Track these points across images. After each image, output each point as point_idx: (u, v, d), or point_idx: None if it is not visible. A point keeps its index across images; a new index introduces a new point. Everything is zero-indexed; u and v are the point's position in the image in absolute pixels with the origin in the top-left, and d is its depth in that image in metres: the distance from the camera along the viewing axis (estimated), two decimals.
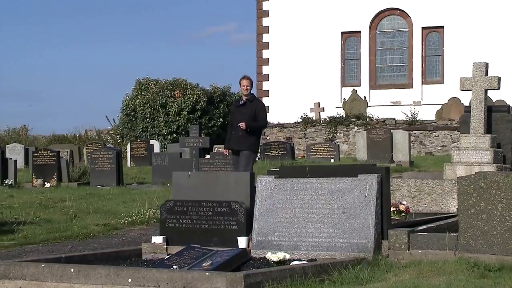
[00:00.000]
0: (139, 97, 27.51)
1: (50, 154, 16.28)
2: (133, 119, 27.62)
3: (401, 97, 29.22)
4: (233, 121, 10.82)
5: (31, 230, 9.24)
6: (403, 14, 29.57)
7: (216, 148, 20.92)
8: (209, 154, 18.23)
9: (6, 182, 15.52)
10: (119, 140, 28.00)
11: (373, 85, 29.86)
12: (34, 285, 5.31)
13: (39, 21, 65.14)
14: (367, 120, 27.34)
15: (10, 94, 60.71)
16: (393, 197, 8.28)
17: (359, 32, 29.87)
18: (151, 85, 27.83)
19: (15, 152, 21.96)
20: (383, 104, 29.12)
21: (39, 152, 16.68)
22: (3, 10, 65.22)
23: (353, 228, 5.99)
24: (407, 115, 27.34)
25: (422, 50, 29.38)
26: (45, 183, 15.64)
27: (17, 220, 9.70)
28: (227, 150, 10.97)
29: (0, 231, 9.02)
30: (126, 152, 23.53)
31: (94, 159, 16.36)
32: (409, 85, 29.47)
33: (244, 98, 10.84)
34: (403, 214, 7.79)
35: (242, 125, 10.47)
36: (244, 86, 10.69)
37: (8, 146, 22.81)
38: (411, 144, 22.35)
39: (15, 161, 16.93)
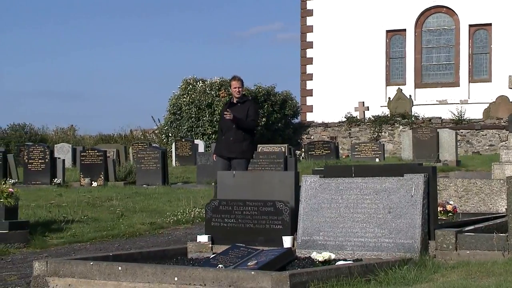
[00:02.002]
0: (185, 96, 27.71)
1: (97, 153, 16.54)
2: (179, 119, 27.83)
3: (448, 96, 28.82)
4: (222, 125, 9.88)
5: (79, 228, 9.41)
6: (449, 11, 29.16)
7: (260, 148, 20.96)
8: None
9: (54, 181, 15.82)
10: (164, 140, 28.26)
11: (419, 84, 29.52)
12: (83, 283, 5.39)
13: (85, 21, 66.25)
14: (413, 119, 27.05)
15: (58, 94, 61.90)
16: (440, 197, 8.17)
17: (405, 30, 29.57)
18: (197, 84, 27.99)
19: (63, 152, 22.38)
20: (429, 103, 28.76)
21: (87, 151, 16.96)
22: (51, 9, 66.54)
23: (399, 228, 5.94)
24: (454, 114, 26.95)
25: (469, 48, 28.92)
26: (93, 182, 15.89)
27: (65, 219, 9.89)
28: (214, 156, 10.09)
29: (49, 229, 9.20)
30: (171, 151, 23.74)
31: (140, 158, 16.56)
32: (456, 84, 29.06)
33: (235, 100, 9.87)
34: (450, 214, 7.67)
35: (228, 114, 9.45)
36: (235, 88, 9.74)
37: (56, 145, 23.26)
38: (458, 143, 22.03)
39: (63, 160, 17.25)
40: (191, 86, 27.96)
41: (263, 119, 27.04)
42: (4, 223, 8.39)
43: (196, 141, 24.55)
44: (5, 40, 62.55)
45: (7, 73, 61.65)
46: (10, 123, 30.63)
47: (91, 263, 5.47)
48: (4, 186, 8.56)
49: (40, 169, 16.06)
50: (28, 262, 7.19)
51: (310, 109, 30.72)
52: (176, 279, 5.06)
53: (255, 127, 10.13)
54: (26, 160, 16.35)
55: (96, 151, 16.88)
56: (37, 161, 16.14)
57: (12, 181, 14.94)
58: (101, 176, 16.05)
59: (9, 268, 7.08)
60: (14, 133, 29.72)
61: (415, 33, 29.49)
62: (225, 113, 9.46)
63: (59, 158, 17.43)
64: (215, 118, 26.76)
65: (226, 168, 9.61)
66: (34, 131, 30.93)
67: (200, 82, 27.97)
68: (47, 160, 16.11)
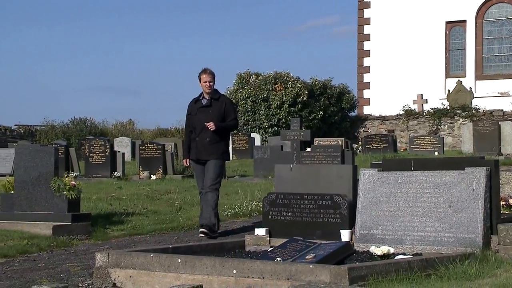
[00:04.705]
0: (240, 90, 27.81)
1: (156, 147, 16.76)
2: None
3: (510, 88, 28.11)
4: (194, 125, 8.63)
5: (139, 221, 9.57)
6: None
7: (317, 141, 20.88)
8: (310, 147, 18.22)
9: (114, 174, 16.10)
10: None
11: (479, 76, 28.88)
12: (143, 275, 5.48)
13: (143, 16, 67.19)
14: (473, 111, 26.51)
15: (117, 89, 63.02)
16: (502, 191, 7.99)
17: (465, 21, 28.94)
18: (252, 78, 28.06)
19: (122, 145, 22.77)
20: (490, 95, 28.11)
21: (145, 145, 17.20)
22: (109, 4, 67.70)
23: (460, 222, 5.84)
24: None
25: None
26: (151, 175, 16.11)
27: (125, 211, 10.07)
28: (187, 161, 8.82)
29: (110, 222, 9.39)
30: (228, 145, 23.84)
31: None
32: None
33: (206, 96, 8.66)
34: None
35: (211, 125, 8.44)
36: (206, 82, 8.59)
37: (116, 139, 23.67)
38: None
39: (123, 154, 17.55)
40: (245, 81, 28.03)
41: (320, 112, 26.92)
42: (67, 215, 8.60)
43: (252, 135, 24.63)
44: (65, 36, 64.04)
45: (69, 69, 63.11)
46: (72, 118, 31.35)
47: (151, 255, 5.56)
48: (67, 179, 8.77)
49: (100, 162, 16.38)
50: (90, 253, 7.35)
51: (367, 102, 30.42)
52: (234, 271, 5.10)
53: (237, 127, 9.16)
54: (87, 154, 16.70)
55: (154, 144, 17.10)
56: (97, 154, 16.47)
57: (74, 174, 15.28)
58: (159, 169, 16.26)
59: (72, 259, 7.26)
60: (75, 127, 30.39)
61: (475, 24, 28.84)
62: (207, 124, 8.46)
63: (118, 151, 17.73)
64: (271, 112, 26.78)
65: (204, 173, 8.58)
66: (95, 125, 31.54)
67: (254, 76, 28.00)
68: (107, 153, 16.41)
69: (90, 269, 6.29)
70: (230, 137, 23.51)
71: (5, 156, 17.30)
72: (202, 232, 8.30)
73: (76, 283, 5.87)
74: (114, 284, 5.58)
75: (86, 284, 5.79)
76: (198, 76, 8.68)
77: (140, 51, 65.39)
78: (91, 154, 16.54)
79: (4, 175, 15.16)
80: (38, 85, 60.46)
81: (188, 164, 8.89)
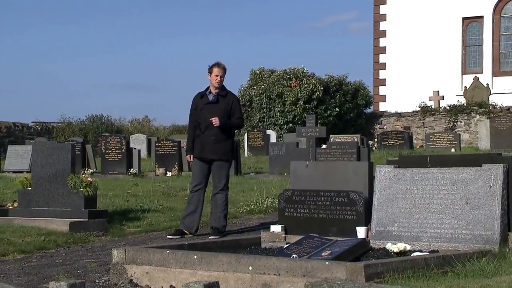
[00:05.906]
0: (254, 87, 27.79)
1: (172, 144, 16.82)
2: (249, 109, 27.95)
3: None
4: (199, 121, 8.36)
5: (155, 217, 9.60)
6: None
7: (333, 138, 20.85)
8: (325, 144, 18.19)
9: (130, 171, 16.16)
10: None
11: (497, 72, 28.66)
12: (159, 271, 5.50)
13: (158, 13, 67.37)
14: (490, 108, 26.33)
15: (134, 86, 63.23)
16: None
17: (482, 17, 28.73)
18: (266, 75, 28.00)
19: (138, 142, 22.85)
20: (507, 92, 27.89)
21: (161, 142, 17.26)
22: (124, 3, 67.91)
23: (477, 219, 5.81)
24: None
25: None
26: (167, 172, 16.16)
27: (142, 208, 10.11)
28: (190, 156, 8.51)
29: (126, 218, 9.43)
30: (243, 142, 23.90)
31: None
32: None
33: (213, 91, 8.34)
34: None
35: (216, 121, 8.17)
36: (217, 76, 8.25)
37: (132, 136, 23.77)
38: None
39: (139, 151, 17.61)
40: (258, 77, 27.98)
41: (335, 108, 26.85)
42: (84, 212, 8.65)
43: (268, 132, 24.63)
44: (82, 34, 64.33)
45: (86, 66, 63.42)
46: (88, 115, 31.52)
47: (168, 251, 5.58)
48: (83, 175, 8.81)
49: (116, 159, 16.45)
50: (107, 250, 7.39)
51: (383, 98, 30.29)
52: (250, 268, 5.10)
53: (242, 126, 8.83)
54: (104, 151, 16.79)
55: (170, 141, 17.16)
56: (114, 151, 16.55)
57: (91, 171, 15.34)
58: (175, 166, 16.31)
59: (89, 255, 7.30)
60: (92, 124, 30.56)
61: (493, 19, 28.61)
62: (212, 119, 8.21)
63: (134, 148, 17.79)
64: (286, 108, 26.75)
65: (204, 173, 8.45)
66: (111, 122, 31.70)
67: (268, 73, 27.96)
68: (123, 150, 16.49)
69: (106, 266, 6.33)
70: (246, 134, 23.82)
71: (23, 153, 17.44)
72: (211, 236, 8.16)
73: (93, 279, 5.91)
74: (131, 280, 5.61)
75: (103, 280, 5.82)
76: (209, 69, 8.31)
77: (156, 48, 65.59)
78: (107, 151, 16.62)
79: (22, 172, 15.31)
80: (55, 82, 60.82)
81: (191, 160, 8.59)
